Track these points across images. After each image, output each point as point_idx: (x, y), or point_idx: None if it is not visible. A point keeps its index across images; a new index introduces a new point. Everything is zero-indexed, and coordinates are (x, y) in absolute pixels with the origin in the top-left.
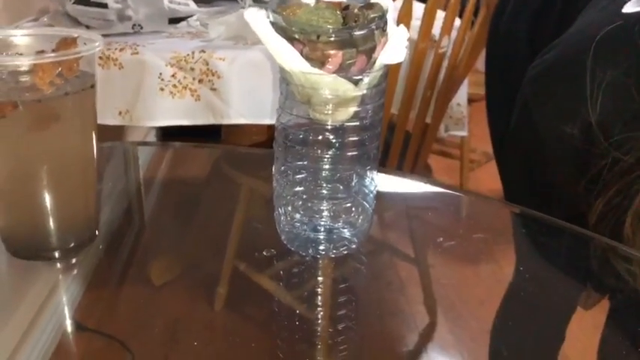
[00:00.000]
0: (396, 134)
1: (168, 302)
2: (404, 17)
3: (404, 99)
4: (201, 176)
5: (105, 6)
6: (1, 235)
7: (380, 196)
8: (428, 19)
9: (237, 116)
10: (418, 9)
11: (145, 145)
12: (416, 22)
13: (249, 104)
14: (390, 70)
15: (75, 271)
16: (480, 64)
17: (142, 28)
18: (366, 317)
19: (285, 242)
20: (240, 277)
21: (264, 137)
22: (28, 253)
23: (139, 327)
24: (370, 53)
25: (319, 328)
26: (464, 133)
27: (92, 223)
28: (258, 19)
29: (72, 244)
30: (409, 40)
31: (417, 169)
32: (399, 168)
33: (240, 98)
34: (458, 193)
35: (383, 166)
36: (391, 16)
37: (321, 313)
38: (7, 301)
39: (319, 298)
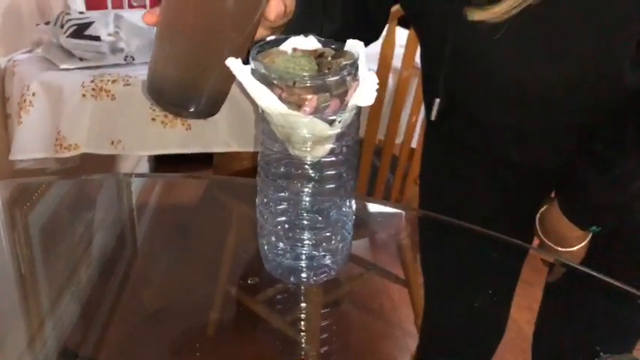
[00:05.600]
0: (383, 160)
1: (161, 328)
2: (387, 48)
3: (389, 126)
4: (192, 204)
5: (98, 39)
6: (151, 78)
7: (368, 220)
8: (411, 47)
9: (227, 144)
10: (402, 35)
11: (138, 176)
12: (399, 49)
13: (238, 132)
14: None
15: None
16: None
17: (134, 59)
18: (358, 339)
19: (268, 270)
20: (232, 303)
21: (256, 162)
22: (171, 104)
23: (132, 354)
24: (343, 97)
25: (312, 352)
26: None
27: (223, 98)
28: (240, 67)
29: (201, 108)
30: (393, 69)
31: (406, 194)
32: (387, 191)
33: (229, 126)
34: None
35: (372, 189)
36: (363, 61)
37: (314, 337)
38: None
39: (312, 322)
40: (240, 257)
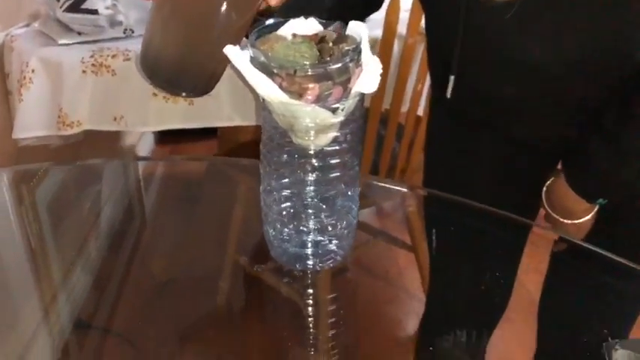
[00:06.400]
0: (389, 128)
1: (171, 298)
2: (391, 14)
3: (395, 94)
4: (199, 175)
5: (95, 12)
6: (144, 55)
7: (375, 189)
8: (416, 12)
9: (230, 118)
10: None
11: (143, 160)
12: (404, 14)
13: (241, 106)
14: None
15: None
16: None
17: (133, 32)
18: (364, 304)
19: (274, 257)
20: (241, 272)
21: (260, 134)
22: (166, 81)
23: (143, 324)
24: (346, 84)
25: (320, 317)
26: None
27: (219, 77)
28: (238, 55)
29: (197, 87)
30: (398, 35)
31: (412, 162)
32: (393, 160)
33: (232, 100)
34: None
35: (378, 158)
36: (366, 45)
37: (321, 302)
38: None
39: (319, 288)
40: (248, 227)
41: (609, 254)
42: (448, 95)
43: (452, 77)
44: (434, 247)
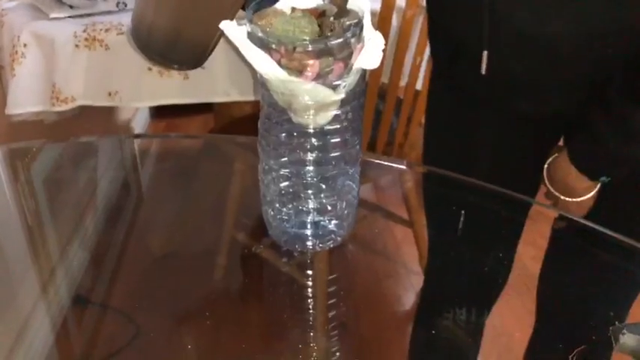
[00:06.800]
0: (387, 103)
1: (169, 274)
2: None
3: (393, 68)
4: (195, 148)
5: None
6: (137, 27)
7: (373, 164)
8: None
9: (226, 94)
10: None
11: (140, 137)
12: None
13: (238, 80)
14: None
15: None
16: None
17: (126, 5)
18: (363, 279)
19: (272, 237)
20: (239, 246)
21: (257, 109)
22: (159, 54)
23: (142, 299)
24: (347, 60)
25: (317, 293)
26: None
27: (213, 48)
28: (235, 31)
29: (191, 59)
30: (397, 8)
31: (410, 136)
32: (391, 135)
33: (228, 74)
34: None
35: (375, 133)
36: (368, 20)
37: (319, 278)
38: None
39: (316, 263)
40: (245, 203)
41: (611, 232)
42: (483, 72)
43: (485, 52)
44: (433, 225)
